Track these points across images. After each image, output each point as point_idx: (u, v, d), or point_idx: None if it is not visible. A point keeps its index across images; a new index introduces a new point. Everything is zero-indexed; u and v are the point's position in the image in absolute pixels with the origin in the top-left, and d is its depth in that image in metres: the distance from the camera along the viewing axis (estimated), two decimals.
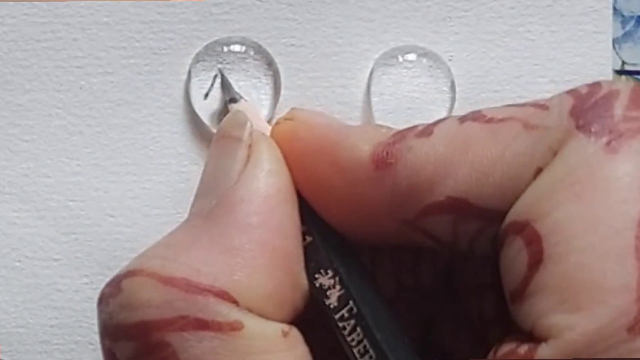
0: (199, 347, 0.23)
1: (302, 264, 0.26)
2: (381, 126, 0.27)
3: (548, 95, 0.28)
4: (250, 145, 0.27)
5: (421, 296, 0.29)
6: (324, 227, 0.27)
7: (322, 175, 0.26)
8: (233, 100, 0.34)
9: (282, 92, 0.37)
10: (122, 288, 0.25)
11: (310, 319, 0.26)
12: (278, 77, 0.37)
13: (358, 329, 0.25)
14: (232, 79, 0.36)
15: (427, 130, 0.26)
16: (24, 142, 0.37)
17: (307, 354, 0.25)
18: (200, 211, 0.26)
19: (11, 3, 0.37)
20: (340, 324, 0.26)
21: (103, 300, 0.25)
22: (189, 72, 0.36)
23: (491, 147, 0.25)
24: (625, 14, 0.39)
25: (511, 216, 0.24)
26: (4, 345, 0.37)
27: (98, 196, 0.37)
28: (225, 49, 0.36)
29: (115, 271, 0.36)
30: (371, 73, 0.37)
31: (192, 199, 0.37)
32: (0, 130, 0.37)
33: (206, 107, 0.36)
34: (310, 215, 0.27)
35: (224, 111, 0.36)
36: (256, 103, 0.36)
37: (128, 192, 0.37)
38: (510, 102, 0.37)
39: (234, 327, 0.23)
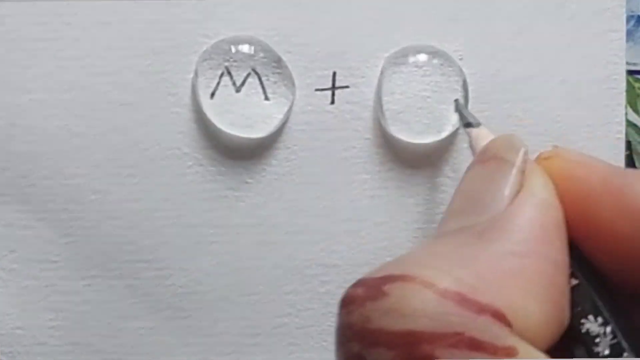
0: None
1: (567, 302, 0.25)
2: None
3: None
4: (523, 172, 0.26)
5: None
6: (592, 270, 0.26)
7: (602, 219, 0.26)
8: (469, 124, 0.34)
9: None
10: (388, 292, 0.23)
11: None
12: (292, 77, 0.36)
13: None
14: (239, 77, 0.36)
15: None
16: (24, 143, 0.37)
17: None
18: (467, 228, 0.25)
19: (12, 2, 0.36)
20: None
21: (357, 300, 0.24)
22: (196, 71, 0.36)
23: None
24: (626, 13, 0.38)
25: None
26: (3, 346, 0.37)
27: (98, 198, 0.37)
28: (233, 47, 0.36)
29: (115, 273, 0.37)
30: (382, 72, 0.36)
31: (196, 202, 0.37)
32: (1, 130, 0.37)
33: (213, 106, 0.36)
34: (579, 257, 0.26)
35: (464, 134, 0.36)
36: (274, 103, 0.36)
37: (129, 195, 0.37)
38: (522, 102, 0.37)
39: (510, 353, 0.22)
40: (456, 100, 0.36)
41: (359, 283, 0.24)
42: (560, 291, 0.25)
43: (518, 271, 0.24)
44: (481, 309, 0.23)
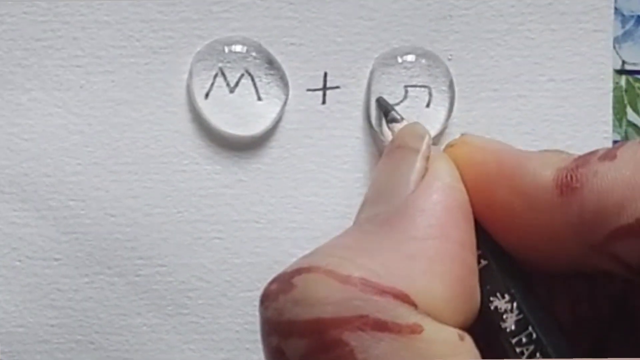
0: (378, 347, 0.23)
1: (476, 280, 0.26)
2: (560, 151, 0.27)
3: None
4: (427, 158, 0.27)
5: (596, 326, 0.29)
6: (499, 251, 0.27)
7: (500, 200, 0.26)
8: (394, 120, 0.34)
9: None
10: (296, 284, 0.24)
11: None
12: (285, 77, 0.37)
13: (538, 355, 0.25)
14: (232, 78, 0.36)
15: (610, 154, 0.25)
16: (25, 141, 0.37)
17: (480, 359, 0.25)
18: (373, 217, 0.26)
19: (11, 2, 0.36)
20: (518, 349, 0.26)
21: (270, 296, 0.25)
22: (190, 71, 0.36)
23: None
24: (626, 13, 0.39)
25: None
26: (4, 344, 0.37)
27: (99, 195, 0.37)
28: (227, 48, 0.36)
29: (116, 270, 0.37)
30: (371, 73, 0.37)
31: (194, 199, 0.37)
32: (1, 129, 0.37)
33: (207, 107, 0.36)
34: (485, 238, 0.27)
35: (383, 131, 0.36)
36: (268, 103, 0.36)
37: (129, 192, 0.37)
38: (510, 101, 0.38)
39: (414, 329, 0.23)
40: (378, 99, 0.37)
41: (274, 279, 0.25)
42: (468, 270, 0.25)
43: (421, 254, 0.24)
44: (383, 291, 0.23)
